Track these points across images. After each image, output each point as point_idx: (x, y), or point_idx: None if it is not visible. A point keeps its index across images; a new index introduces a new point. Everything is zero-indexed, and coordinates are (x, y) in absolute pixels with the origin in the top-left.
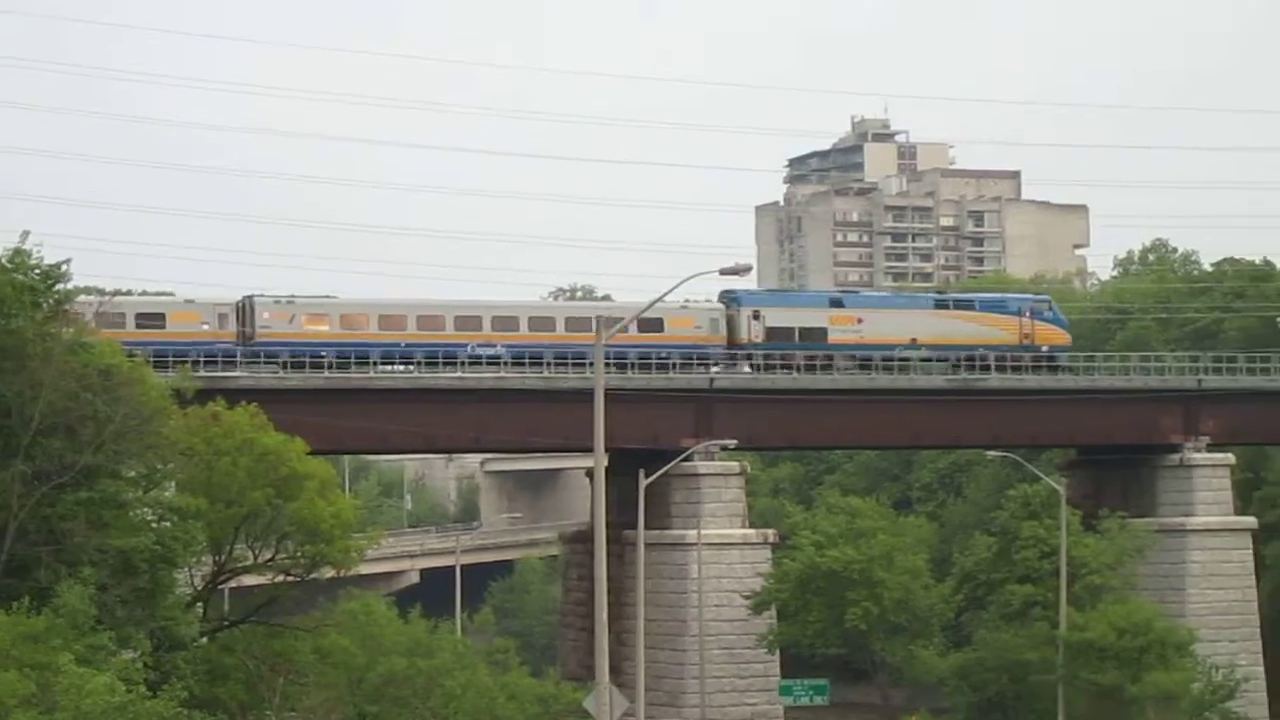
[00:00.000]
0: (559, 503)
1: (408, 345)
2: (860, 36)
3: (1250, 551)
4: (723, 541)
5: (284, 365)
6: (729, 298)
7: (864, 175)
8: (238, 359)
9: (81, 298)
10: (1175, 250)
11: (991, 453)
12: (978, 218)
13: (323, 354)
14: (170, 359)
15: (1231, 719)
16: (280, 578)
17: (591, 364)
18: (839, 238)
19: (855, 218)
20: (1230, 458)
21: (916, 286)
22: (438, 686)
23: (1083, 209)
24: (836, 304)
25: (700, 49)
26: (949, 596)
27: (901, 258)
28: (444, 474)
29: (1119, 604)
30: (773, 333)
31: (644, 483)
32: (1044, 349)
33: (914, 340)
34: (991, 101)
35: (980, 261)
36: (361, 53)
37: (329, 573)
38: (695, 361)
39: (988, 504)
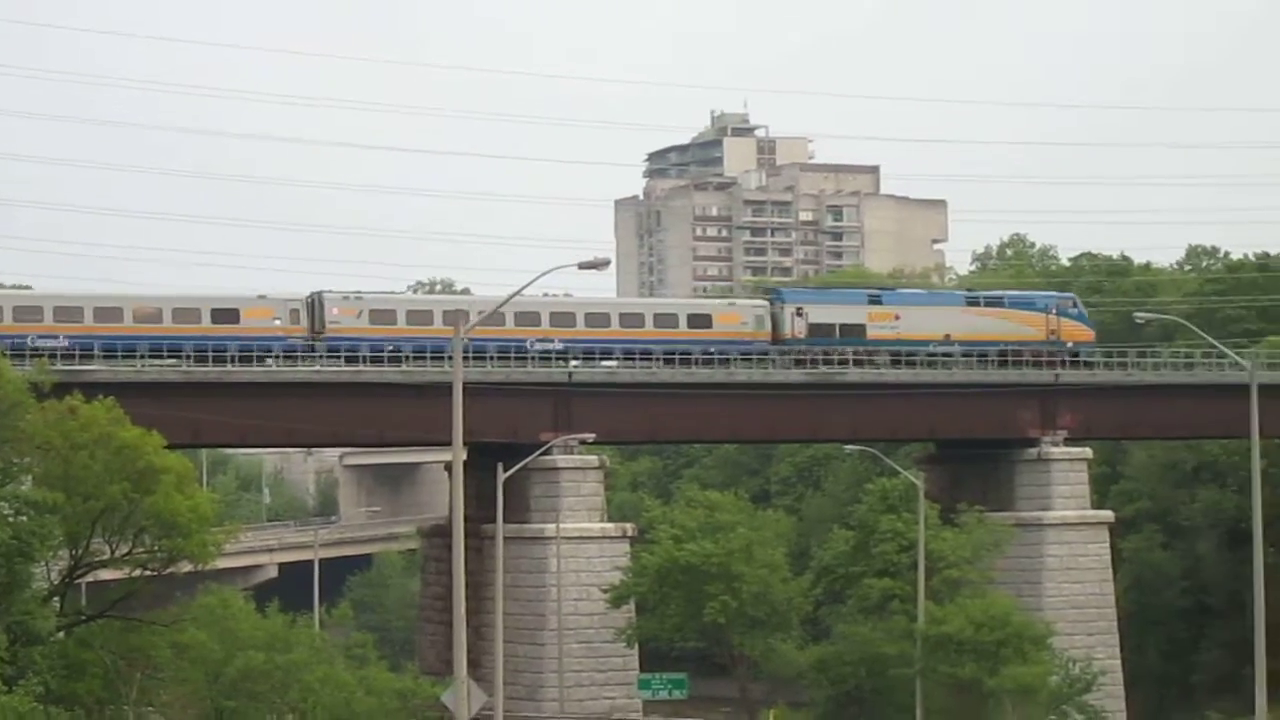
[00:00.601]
0: (418, 497)
1: (472, 340)
2: (721, 32)
3: (1107, 545)
4: (581, 535)
5: (362, 360)
6: (773, 295)
7: (723, 170)
8: (303, 353)
9: (153, 293)
10: (1033, 245)
11: (850, 447)
12: (837, 212)
13: (388, 349)
14: (251, 353)
15: (1088, 712)
16: (138, 572)
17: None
18: (698, 232)
19: (715, 212)
20: (1087, 452)
21: (774, 281)
22: (295, 681)
23: (941, 204)
24: (875, 301)
25: (562, 44)
26: (807, 590)
27: (761, 252)
28: (303, 468)
29: (977, 598)
30: (815, 329)
31: (502, 476)
32: (1069, 345)
33: (947, 336)
34: (851, 96)
35: (839, 256)
36: (230, 46)
37: (186, 567)
38: (741, 357)
39: (846, 498)
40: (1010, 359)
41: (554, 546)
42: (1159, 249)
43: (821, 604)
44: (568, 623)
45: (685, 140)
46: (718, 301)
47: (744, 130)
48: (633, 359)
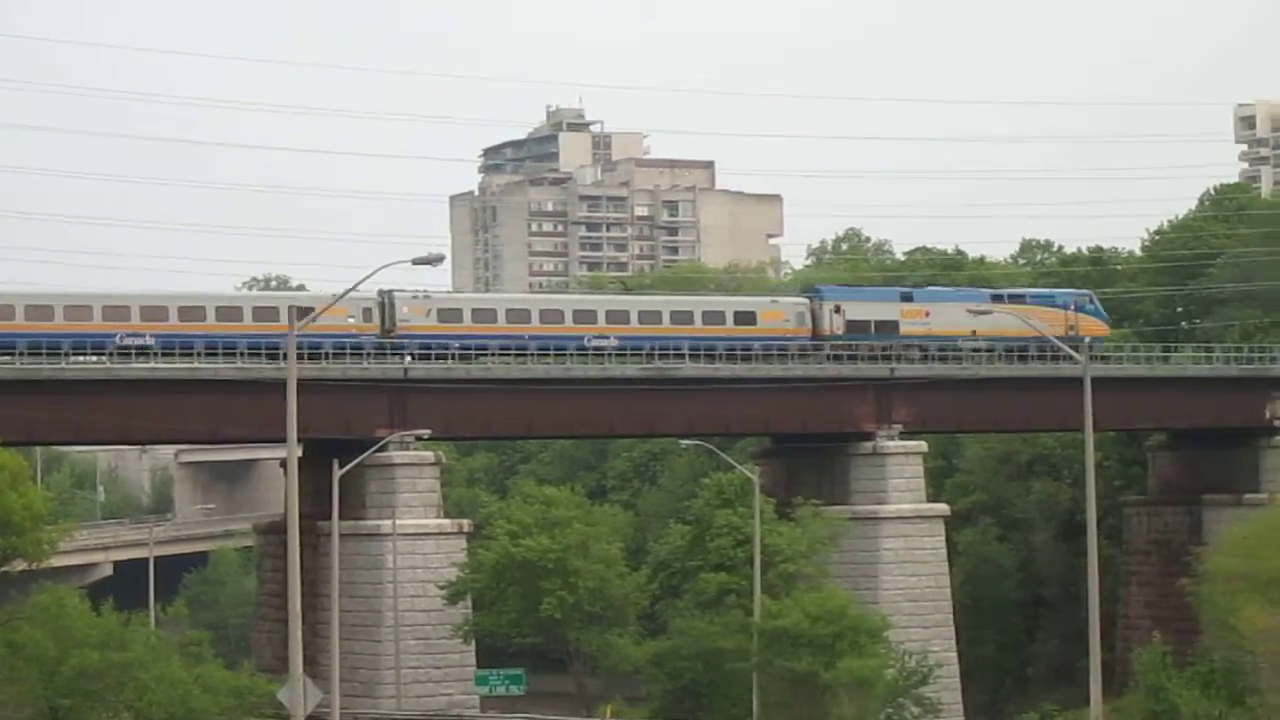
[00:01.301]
0: (254, 493)
1: (530, 338)
2: (555, 28)
3: (943, 538)
4: (418, 532)
5: (431, 357)
6: (812, 292)
7: (559, 165)
8: (378, 350)
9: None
10: (868, 240)
11: (686, 441)
12: (672, 207)
13: (454, 347)
14: (323, 351)
15: (925, 704)
16: None
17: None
18: (534, 227)
19: (550, 207)
20: (923, 445)
21: (610, 276)
22: (131, 679)
23: (776, 198)
24: (907, 298)
25: (399, 39)
26: (644, 585)
27: (597, 247)
28: (138, 465)
29: (813, 591)
30: (852, 325)
31: (338, 473)
32: (1086, 339)
33: (974, 332)
34: (686, 91)
35: (675, 251)
36: (40, 39)
37: (20, 565)
38: (780, 353)
39: (682, 492)
40: (1017, 354)
41: (390, 543)
42: (993, 242)
43: (658, 599)
44: (404, 619)
45: (521, 135)
46: (762, 299)
47: (579, 125)
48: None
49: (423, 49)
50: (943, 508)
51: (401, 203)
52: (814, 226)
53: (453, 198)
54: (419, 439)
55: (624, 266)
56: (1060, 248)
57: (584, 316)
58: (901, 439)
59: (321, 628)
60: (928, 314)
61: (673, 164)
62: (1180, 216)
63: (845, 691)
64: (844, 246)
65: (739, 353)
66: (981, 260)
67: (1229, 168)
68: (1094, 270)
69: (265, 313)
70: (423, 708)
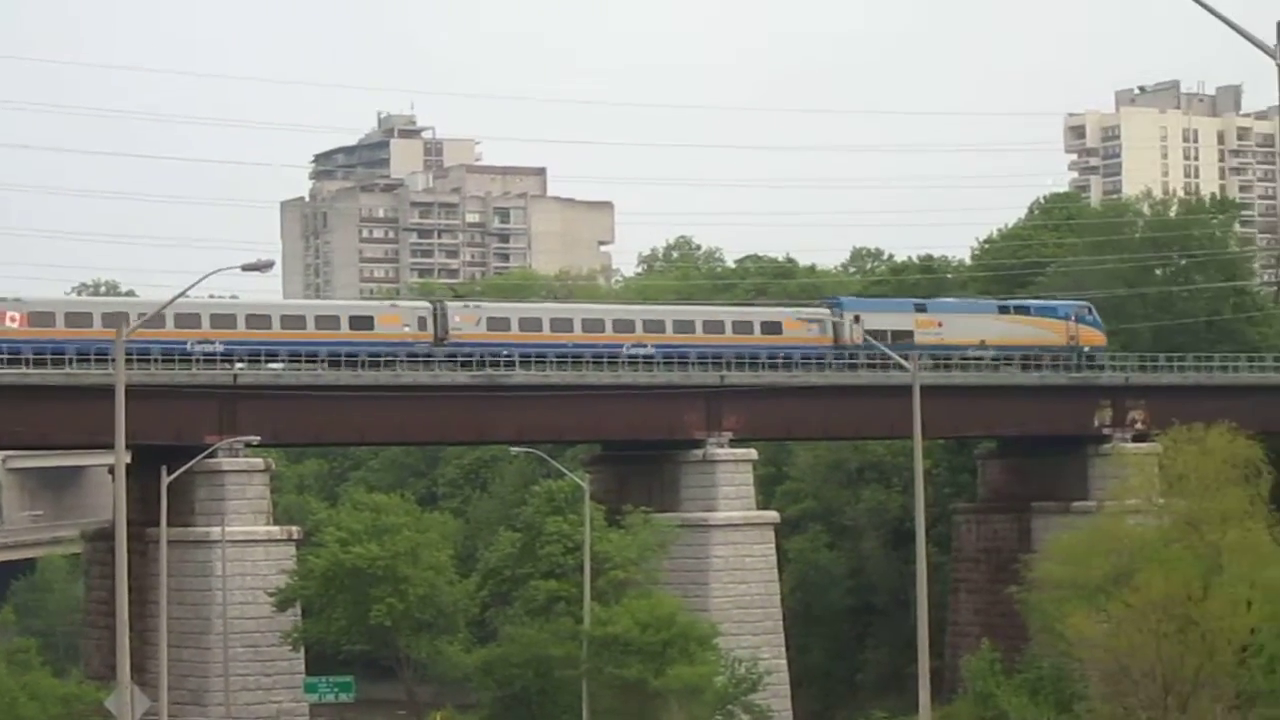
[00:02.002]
0: (83, 500)
1: (575, 346)
2: (388, 33)
3: (773, 546)
4: (247, 539)
5: (478, 364)
6: (833, 303)
7: (390, 171)
8: (427, 359)
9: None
10: (699, 247)
11: (516, 449)
12: (504, 214)
13: (504, 354)
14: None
15: (755, 711)
16: None
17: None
18: (365, 234)
19: (381, 214)
20: (752, 453)
21: (440, 283)
22: None
23: (608, 206)
24: (920, 309)
25: (231, 42)
26: (474, 592)
27: (428, 254)
28: None
29: (642, 599)
30: (870, 335)
31: (166, 480)
32: (1086, 349)
33: (983, 341)
34: (518, 99)
35: (506, 258)
36: None
37: None
38: (810, 360)
39: (513, 500)
40: (1033, 363)
41: (219, 550)
42: (824, 250)
43: (488, 606)
44: (233, 626)
45: (352, 142)
46: (787, 310)
47: (411, 132)
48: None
49: (254, 54)
50: (773, 515)
51: (233, 208)
52: (645, 234)
53: (284, 204)
54: (248, 445)
55: (455, 273)
56: (891, 256)
57: (623, 326)
58: (731, 446)
59: (150, 635)
60: (940, 324)
61: (504, 171)
62: (1010, 225)
63: (675, 698)
64: (675, 254)
65: (764, 361)
66: (812, 268)
67: (1059, 177)
68: (924, 278)
69: (327, 321)
70: (252, 715)
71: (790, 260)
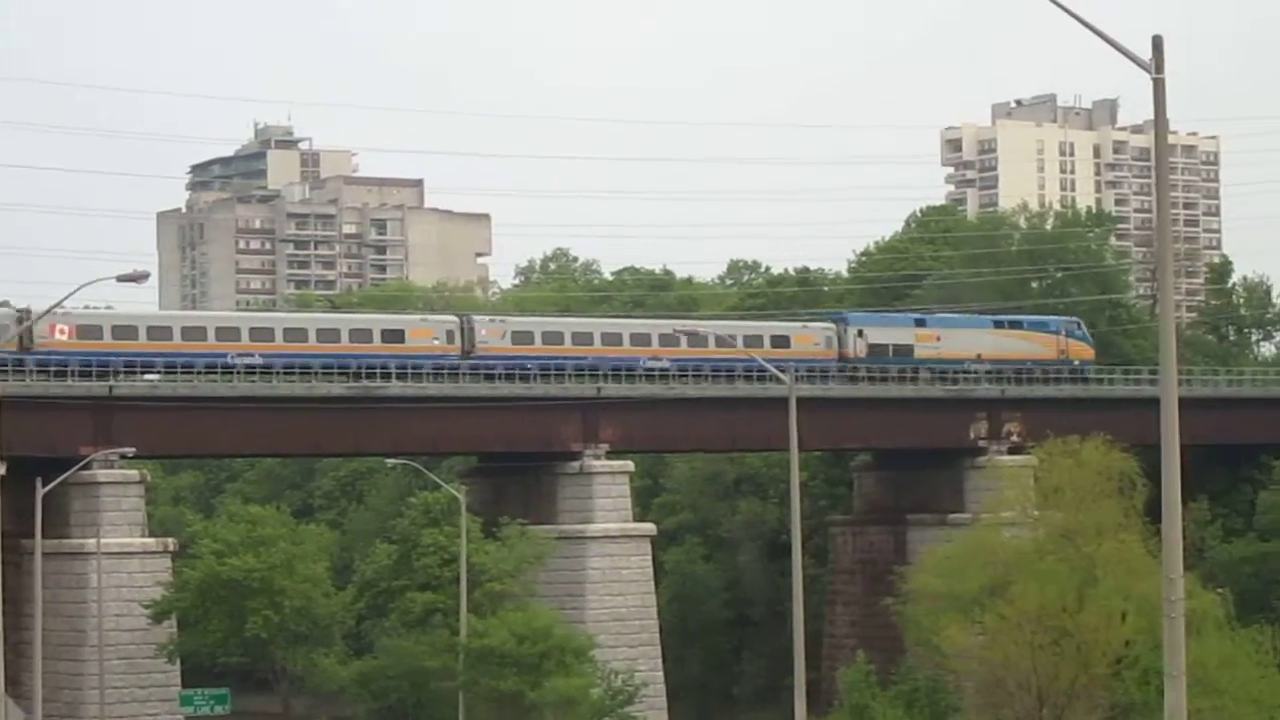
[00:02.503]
0: None
1: (595, 359)
2: (263, 45)
3: (649, 558)
4: (122, 551)
5: (499, 377)
6: (838, 318)
7: (267, 183)
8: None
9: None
10: (576, 259)
11: (392, 460)
12: (380, 225)
13: (528, 367)
14: (409, 370)
15: None
16: None
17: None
18: (241, 245)
19: (258, 225)
20: (629, 465)
21: (317, 295)
22: None
23: (485, 218)
24: (920, 324)
25: (106, 51)
26: (350, 604)
27: (305, 265)
28: None
29: (519, 611)
30: (873, 349)
31: (41, 491)
32: (1076, 362)
33: (979, 355)
34: (395, 110)
35: (383, 270)
36: None
37: None
38: (818, 374)
39: (389, 511)
40: (1019, 375)
41: (94, 562)
42: (701, 263)
43: (364, 618)
44: (109, 639)
45: (229, 153)
46: (794, 325)
47: (288, 143)
48: (183, 371)
49: (130, 65)
50: (649, 527)
51: (108, 219)
52: (522, 246)
53: (160, 215)
54: (124, 457)
55: (332, 285)
56: (768, 268)
57: (640, 340)
58: (608, 458)
59: (24, 648)
60: (939, 338)
61: (381, 182)
62: (887, 238)
63: (551, 711)
64: (552, 266)
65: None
66: (689, 280)
67: (936, 190)
68: (801, 291)
69: (360, 334)
70: None
71: (667, 272)
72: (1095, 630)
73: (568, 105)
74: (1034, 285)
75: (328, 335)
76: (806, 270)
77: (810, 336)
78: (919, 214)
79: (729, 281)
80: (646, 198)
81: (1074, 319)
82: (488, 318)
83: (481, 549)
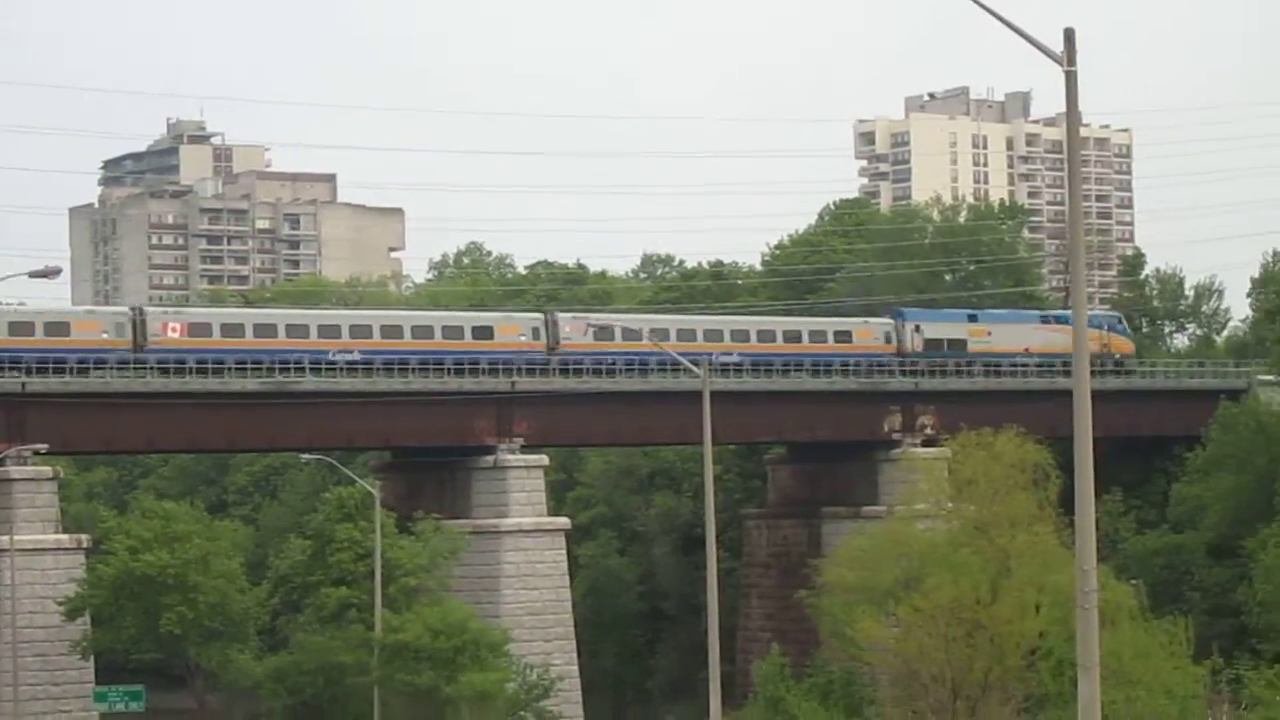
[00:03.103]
0: None
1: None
2: (174, 38)
3: (564, 552)
4: (35, 547)
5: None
6: (895, 314)
7: (180, 178)
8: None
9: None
10: (490, 254)
11: (306, 456)
12: (294, 220)
13: (609, 362)
14: (499, 366)
15: (546, 717)
16: None
17: None
18: (154, 240)
19: (171, 220)
20: (544, 459)
21: (230, 290)
22: None
23: (398, 212)
24: (973, 319)
25: (18, 46)
26: (265, 600)
27: (218, 260)
28: None
29: (434, 606)
30: (929, 343)
31: None
32: (1117, 355)
33: (1027, 349)
34: (308, 105)
35: (296, 264)
36: None
37: None
38: (875, 368)
39: (303, 507)
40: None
41: (7, 559)
42: (615, 257)
43: (279, 614)
44: (22, 636)
45: (141, 148)
46: (855, 320)
47: (200, 137)
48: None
49: (40, 59)
50: (564, 521)
51: (19, 215)
52: (436, 240)
53: (72, 210)
54: (36, 453)
55: (245, 280)
56: (681, 262)
57: (713, 335)
58: (523, 452)
59: None
60: (990, 333)
61: (294, 177)
62: (800, 231)
63: (467, 705)
64: (465, 260)
65: (836, 368)
66: (603, 274)
67: (849, 183)
68: (715, 284)
69: (452, 331)
70: None
71: (581, 266)
72: (1009, 622)
73: (481, 99)
74: (947, 278)
75: (422, 332)
76: (720, 264)
77: (870, 331)
78: (832, 207)
79: (643, 275)
80: (559, 191)
81: (1116, 314)
82: (571, 315)
83: (396, 544)
